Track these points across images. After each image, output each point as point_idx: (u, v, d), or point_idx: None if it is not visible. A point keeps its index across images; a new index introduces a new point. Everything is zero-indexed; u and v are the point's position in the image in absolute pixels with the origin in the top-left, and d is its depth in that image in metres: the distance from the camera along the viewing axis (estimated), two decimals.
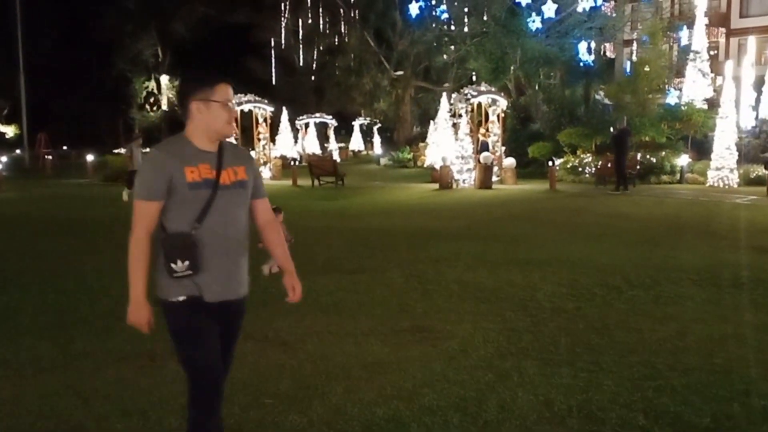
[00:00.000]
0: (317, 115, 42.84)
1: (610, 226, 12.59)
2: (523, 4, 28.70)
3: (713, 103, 27.30)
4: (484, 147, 22.05)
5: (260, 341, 5.87)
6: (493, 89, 23.04)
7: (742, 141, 22.40)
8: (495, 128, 22.63)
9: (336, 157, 42.89)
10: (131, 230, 2.94)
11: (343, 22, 43.86)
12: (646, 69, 24.28)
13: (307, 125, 43.29)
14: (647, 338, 5.84)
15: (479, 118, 22.45)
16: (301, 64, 53.24)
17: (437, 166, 22.23)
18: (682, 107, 25.43)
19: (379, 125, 48.10)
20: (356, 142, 49.52)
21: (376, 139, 47.48)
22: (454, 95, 21.87)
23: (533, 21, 29.17)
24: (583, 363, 5.16)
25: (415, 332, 6.10)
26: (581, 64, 28.73)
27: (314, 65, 52.64)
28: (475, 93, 21.56)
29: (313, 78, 52.22)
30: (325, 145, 43.80)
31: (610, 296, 7.41)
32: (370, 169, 32.50)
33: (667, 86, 25.47)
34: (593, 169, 21.74)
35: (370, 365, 5.23)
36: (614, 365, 5.13)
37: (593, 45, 30.19)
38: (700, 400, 4.43)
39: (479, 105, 22.31)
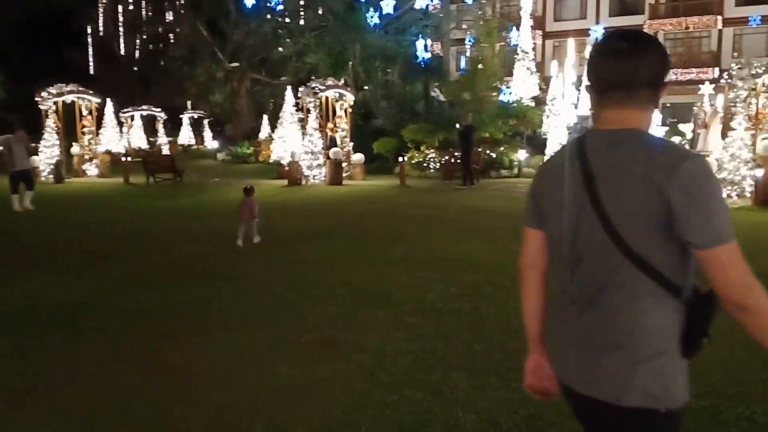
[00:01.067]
0: (144, 107, 40.20)
1: (474, 221, 12.74)
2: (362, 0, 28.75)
3: (540, 101, 29.03)
4: (333, 142, 21.69)
5: (147, 368, 5.07)
6: (339, 83, 22.76)
7: (570, 137, 23.92)
8: (342, 123, 22.36)
9: (165, 151, 40.67)
10: None
11: (172, 11, 41.42)
12: (480, 67, 25.22)
13: (132, 118, 40.52)
14: None
15: (326, 113, 22.08)
16: (123, 53, 49.79)
17: (284, 162, 21.55)
18: (513, 105, 26.76)
19: (210, 119, 46.17)
20: (186, 136, 47.18)
21: (207, 133, 45.55)
22: (301, 89, 21.27)
23: (371, 17, 29.28)
24: (509, 371, 4.92)
25: (321, 346, 5.58)
26: (419, 61, 29.32)
27: (137, 54, 49.34)
28: (322, 87, 21.13)
29: (136, 68, 49.00)
30: (152, 139, 41.27)
31: (501, 294, 7.31)
32: (207, 165, 30.96)
33: (501, 84, 26.64)
34: (438, 164, 22.19)
35: (285, 390, 4.64)
36: None
37: (429, 42, 30.93)
38: None
39: (326, 99, 21.92)
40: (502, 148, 22.52)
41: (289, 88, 22.50)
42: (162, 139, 40.88)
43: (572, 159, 1.92)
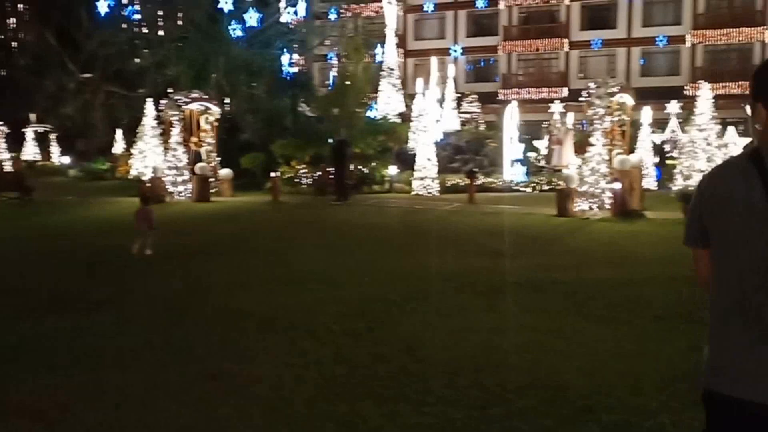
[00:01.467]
0: None
1: (353, 237, 12.52)
2: (225, 11, 27.84)
3: (405, 117, 29.50)
4: (198, 157, 20.74)
5: (6, 415, 4.35)
6: (205, 96, 21.83)
7: (439, 154, 24.55)
8: (208, 137, 21.45)
9: (8, 168, 37.29)
10: None
11: (15, 18, 38.09)
12: (348, 83, 25.23)
13: None
14: (458, 356, 5.59)
15: (190, 127, 21.08)
16: None
17: (145, 178, 20.34)
18: (380, 121, 26.99)
19: (57, 133, 42.93)
20: (30, 152, 43.56)
21: (55, 149, 42.29)
22: (163, 102, 20.14)
23: (234, 29, 28.48)
24: (417, 394, 4.69)
25: (211, 380, 5.06)
26: (285, 75, 28.85)
27: None
28: (187, 100, 20.16)
29: None
30: None
31: (392, 312, 7.12)
32: (59, 182, 28.65)
33: (369, 101, 26.75)
34: (311, 180, 21.81)
35: None
36: (449, 392, 4.74)
37: (296, 57, 30.57)
38: (553, 422, 4.23)
39: (191, 113, 20.93)
40: (373, 164, 22.54)
41: (149, 101, 21.27)
42: (3, 154, 37.49)
43: (751, 178, 1.91)
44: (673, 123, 32.47)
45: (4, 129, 37.50)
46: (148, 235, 10.14)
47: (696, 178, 13.28)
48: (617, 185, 14.67)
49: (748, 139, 34.19)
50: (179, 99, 19.91)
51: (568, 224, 14.09)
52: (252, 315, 6.95)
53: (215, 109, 21.48)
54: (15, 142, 42.98)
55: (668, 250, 10.68)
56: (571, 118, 33.30)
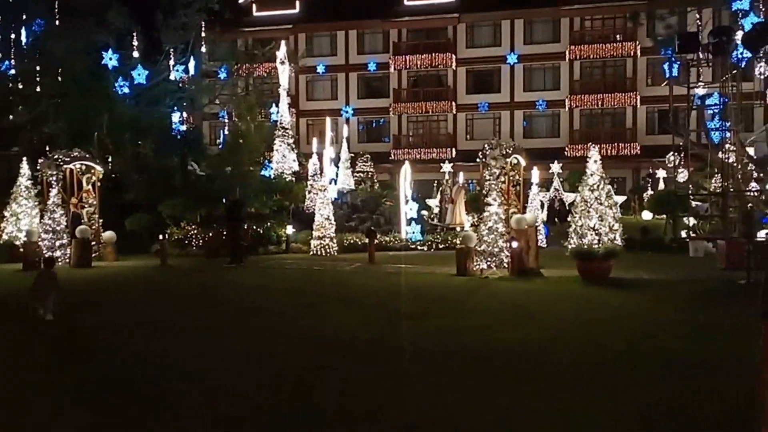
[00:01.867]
0: None
1: (250, 302, 11.83)
2: (110, 67, 26.77)
3: (300, 176, 29.19)
4: (77, 220, 19.36)
5: None
6: (87, 155, 20.55)
7: (336, 212, 24.31)
8: (90, 198, 20.13)
9: None
10: None
11: None
12: (240, 141, 24.70)
13: None
14: None
15: (70, 187, 19.72)
16: None
17: (18, 243, 18.70)
18: (274, 180, 26.50)
19: None
20: None
21: None
22: (41, 161, 18.78)
23: (122, 86, 27.38)
24: None
25: None
26: (175, 133, 27.86)
27: None
28: (67, 159, 18.88)
29: None
30: None
31: (305, 381, 6.57)
32: None
33: (263, 159, 26.23)
34: (201, 241, 20.86)
35: None
36: None
37: (185, 115, 29.67)
38: None
39: (71, 172, 19.62)
40: (268, 224, 21.91)
41: (24, 159, 19.77)
42: None
43: None
44: (556, 182, 33.96)
45: None
46: (48, 299, 9.47)
47: (589, 237, 13.67)
48: (515, 244, 14.85)
49: (622, 198, 36.50)
50: (58, 157, 18.63)
51: (469, 283, 14.04)
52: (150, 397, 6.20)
53: (98, 168, 20.27)
54: None
55: (570, 309, 10.78)
56: (461, 177, 34.33)
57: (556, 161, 34.64)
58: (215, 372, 7.07)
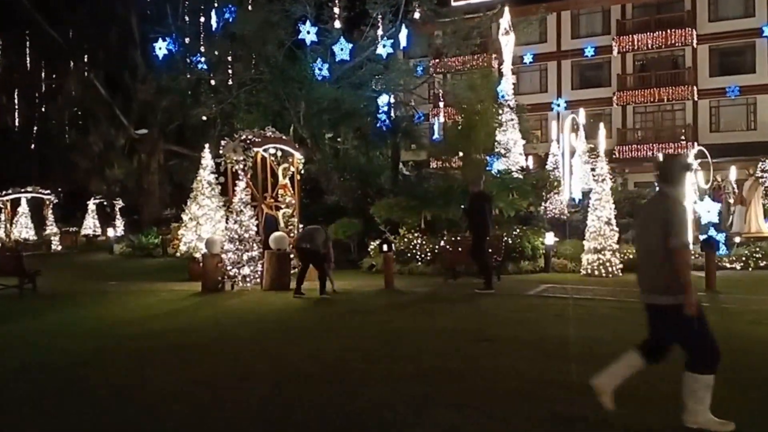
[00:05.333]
0: (28, 189, 31.82)
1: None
2: (307, 43, 22.07)
3: (529, 171, 23.09)
4: (272, 224, 14.40)
5: None
6: (284, 137, 15.55)
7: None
8: (288, 196, 15.08)
9: (56, 244, 32.11)
10: None
11: (59, 61, 32.96)
12: (477, 118, 18.69)
13: (14, 202, 32.03)
14: None
15: (261, 181, 14.79)
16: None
17: (199, 255, 14.05)
18: (506, 176, 20.25)
19: (122, 204, 37.69)
20: (91, 225, 38.40)
21: (120, 222, 36.87)
22: (223, 143, 13.79)
23: (320, 68, 22.57)
24: None
25: None
26: (383, 122, 22.53)
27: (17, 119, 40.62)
28: (258, 139, 13.80)
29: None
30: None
31: None
32: (99, 261, 22.82)
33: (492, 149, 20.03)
34: (428, 254, 15.13)
35: None
36: None
37: (393, 100, 24.34)
38: None
39: (263, 160, 14.65)
40: (517, 230, 15.72)
41: (206, 147, 15.24)
42: (52, 228, 32.39)
43: None
44: None
45: (53, 198, 32.57)
46: None
47: None
48: None
49: None
50: (248, 138, 13.55)
51: None
52: None
53: (298, 156, 15.07)
54: (67, 213, 38.24)
55: None
56: (732, 173, 26.53)
57: None
58: None
